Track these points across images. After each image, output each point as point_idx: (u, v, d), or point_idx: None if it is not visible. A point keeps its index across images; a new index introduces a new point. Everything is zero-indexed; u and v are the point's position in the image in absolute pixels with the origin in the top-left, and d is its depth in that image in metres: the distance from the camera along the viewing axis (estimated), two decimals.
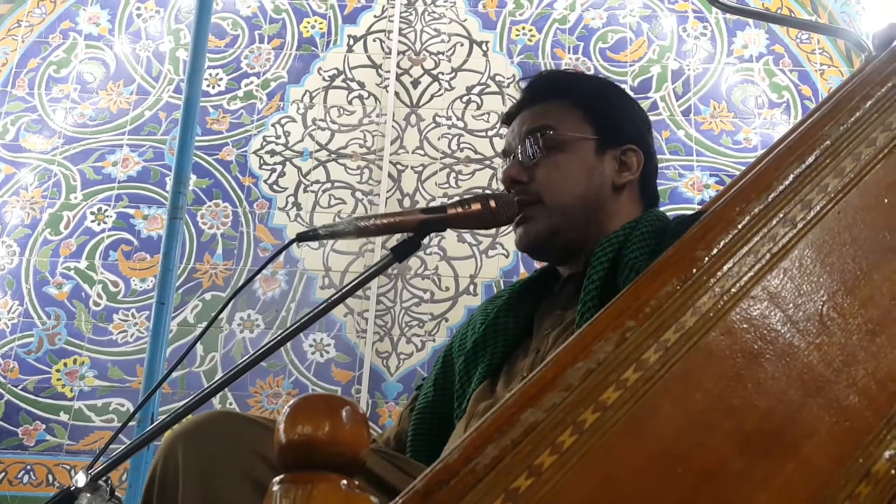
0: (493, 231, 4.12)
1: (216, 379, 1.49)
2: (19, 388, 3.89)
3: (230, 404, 3.82)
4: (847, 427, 0.95)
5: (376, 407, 3.83)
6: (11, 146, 4.34)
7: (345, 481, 0.78)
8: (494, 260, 4.11)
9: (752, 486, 0.90)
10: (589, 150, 1.59)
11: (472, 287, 4.04)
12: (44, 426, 3.82)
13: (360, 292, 3.97)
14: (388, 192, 4.23)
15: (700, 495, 0.88)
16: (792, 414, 0.94)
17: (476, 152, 4.30)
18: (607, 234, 1.50)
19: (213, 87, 4.44)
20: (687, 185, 4.18)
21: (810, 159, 1.05)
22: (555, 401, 0.88)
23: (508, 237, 4.10)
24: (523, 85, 1.70)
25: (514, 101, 1.71)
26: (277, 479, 0.79)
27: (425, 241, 1.40)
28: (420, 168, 4.28)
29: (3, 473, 3.74)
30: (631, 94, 1.79)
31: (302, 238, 1.50)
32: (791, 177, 1.03)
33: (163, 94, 4.44)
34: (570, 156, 1.58)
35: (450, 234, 4.09)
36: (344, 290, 1.53)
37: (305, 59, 4.52)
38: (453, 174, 4.27)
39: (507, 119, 1.69)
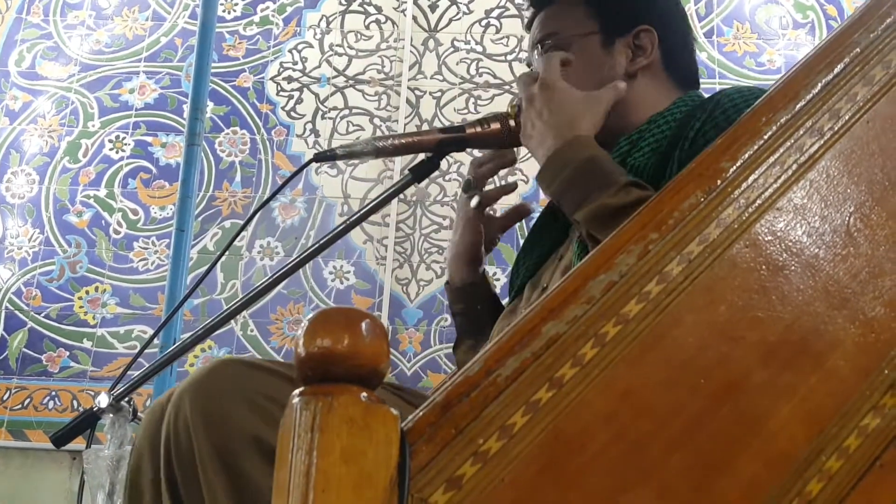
0: None
1: (235, 301, 1.49)
2: (42, 315, 3.92)
3: (251, 331, 3.84)
4: (873, 339, 0.94)
5: (396, 333, 3.85)
6: (28, 73, 4.32)
7: (365, 393, 0.78)
8: None
9: (775, 397, 0.89)
10: (594, 45, 1.50)
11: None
12: (67, 353, 3.86)
13: (379, 219, 3.96)
14: (406, 118, 4.19)
15: (722, 406, 0.88)
16: (816, 326, 0.93)
17: (495, 77, 4.25)
18: (634, 126, 1.43)
19: (229, 13, 4.38)
20: None
21: (839, 67, 1.02)
22: (576, 313, 0.87)
23: (527, 163, 4.06)
24: None
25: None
26: (297, 391, 0.79)
27: (444, 166, 1.39)
28: (438, 94, 4.24)
29: (28, 400, 3.79)
30: None
31: (319, 158, 1.48)
32: (819, 85, 1.01)
33: (178, 20, 4.39)
34: (576, 58, 1.47)
35: (469, 160, 4.05)
36: (362, 212, 1.53)
37: None
38: (472, 99, 4.23)
39: (527, 27, 1.62)
